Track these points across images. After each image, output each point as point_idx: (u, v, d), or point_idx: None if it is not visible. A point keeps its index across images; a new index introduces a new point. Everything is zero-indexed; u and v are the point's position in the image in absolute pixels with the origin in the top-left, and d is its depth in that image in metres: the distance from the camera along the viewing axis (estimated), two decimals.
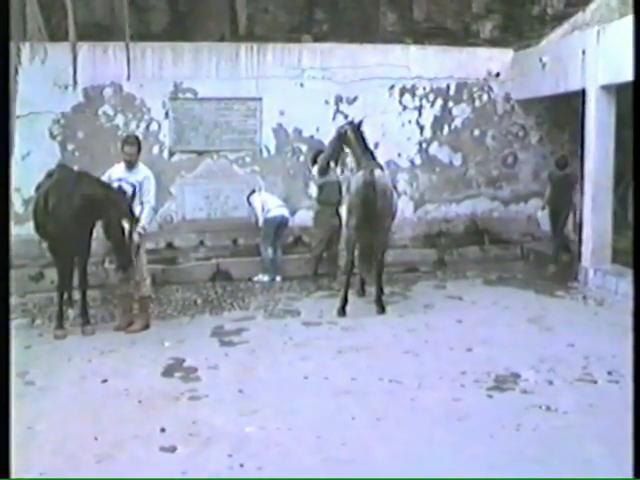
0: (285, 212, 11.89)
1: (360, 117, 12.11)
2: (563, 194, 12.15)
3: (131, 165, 9.07)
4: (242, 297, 10.78)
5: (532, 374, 7.29)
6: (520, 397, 6.79)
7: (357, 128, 10.38)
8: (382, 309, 9.77)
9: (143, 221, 8.95)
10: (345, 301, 9.71)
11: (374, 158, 10.27)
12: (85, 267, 9.14)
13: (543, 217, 12.86)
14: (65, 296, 9.28)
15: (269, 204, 11.82)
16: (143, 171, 9.19)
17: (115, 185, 8.98)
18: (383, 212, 9.67)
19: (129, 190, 8.88)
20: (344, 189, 11.09)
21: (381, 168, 10.09)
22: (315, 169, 11.44)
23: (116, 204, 8.53)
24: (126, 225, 8.48)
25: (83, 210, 8.62)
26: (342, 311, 9.67)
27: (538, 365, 7.55)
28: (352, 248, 9.95)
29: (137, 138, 9.58)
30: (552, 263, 12.19)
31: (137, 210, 8.89)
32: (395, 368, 7.55)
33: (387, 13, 15.57)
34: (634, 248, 8.54)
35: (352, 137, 10.28)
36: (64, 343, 8.72)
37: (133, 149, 9.12)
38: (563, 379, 7.16)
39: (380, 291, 9.85)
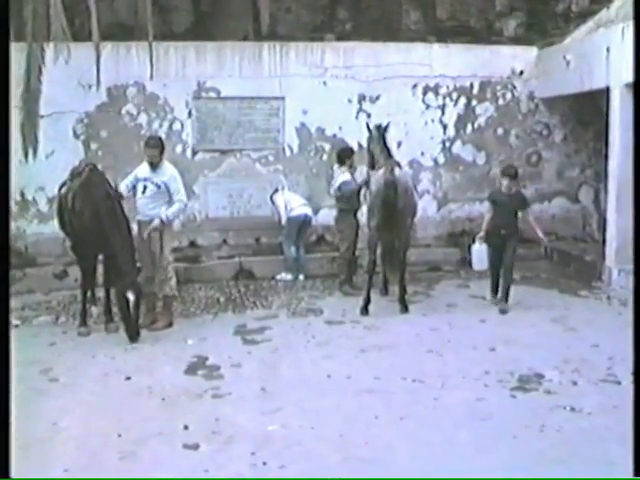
0: (308, 211, 11.88)
1: (383, 116, 12.20)
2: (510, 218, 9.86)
3: (155, 165, 9.11)
4: (265, 296, 10.78)
5: (556, 374, 7.24)
6: (544, 397, 6.75)
7: (383, 130, 10.41)
8: (405, 308, 9.74)
9: (169, 212, 9.04)
10: (368, 300, 9.70)
11: (391, 156, 10.25)
12: (110, 265, 9.15)
13: (480, 254, 9.98)
14: (89, 294, 9.35)
15: (292, 203, 11.81)
16: (169, 170, 9.22)
17: (141, 185, 9.02)
18: (404, 211, 9.66)
19: (154, 189, 8.93)
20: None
21: (399, 166, 10.06)
22: (337, 167, 11.33)
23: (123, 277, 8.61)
24: (131, 297, 8.49)
25: (109, 212, 8.67)
26: (365, 310, 9.65)
27: (562, 365, 7.50)
28: (374, 248, 9.93)
29: (160, 139, 9.60)
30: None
31: (163, 209, 8.94)
32: (418, 367, 7.53)
33: (410, 11, 15.49)
34: (634, 248, 8.51)
35: (375, 136, 10.31)
36: (88, 340, 8.79)
37: (155, 151, 9.14)
38: (587, 380, 7.11)
39: (403, 290, 9.83)
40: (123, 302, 8.48)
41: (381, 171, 9.71)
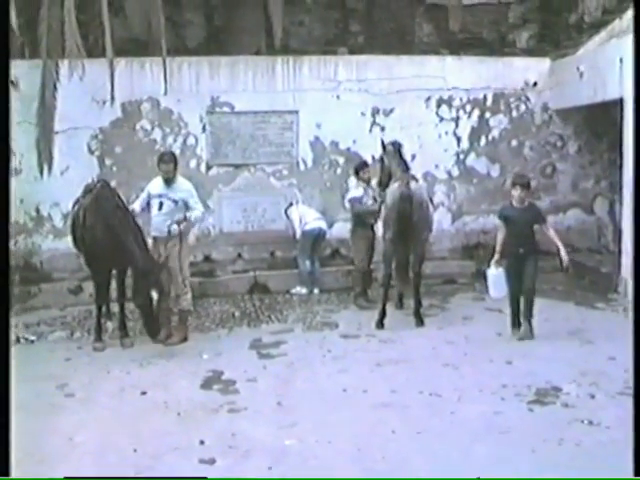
0: (323, 225, 11.87)
1: (397, 129, 12.27)
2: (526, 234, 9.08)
3: (169, 181, 9.12)
4: (280, 310, 10.78)
5: (574, 388, 7.20)
6: (562, 411, 6.70)
7: (399, 145, 10.45)
8: (421, 321, 9.71)
9: (193, 215, 9.15)
10: (383, 314, 9.67)
11: (408, 169, 10.26)
12: (124, 280, 9.20)
13: (497, 279, 9.20)
14: (104, 309, 9.40)
15: (306, 217, 11.81)
16: (184, 185, 9.26)
17: (157, 202, 9.04)
18: (419, 225, 9.64)
19: (171, 205, 8.95)
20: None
21: (415, 180, 10.06)
22: (353, 180, 11.34)
23: (146, 276, 8.63)
24: (154, 295, 8.55)
25: (121, 226, 8.70)
26: (380, 324, 9.63)
27: (579, 379, 7.45)
28: (389, 261, 9.91)
29: (173, 154, 9.62)
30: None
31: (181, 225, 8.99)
32: (434, 381, 7.50)
33: (422, 24, 15.54)
34: (634, 252, 8.44)
35: (391, 151, 10.31)
36: (103, 355, 8.81)
37: (169, 167, 9.17)
38: (605, 393, 7.06)
39: (418, 303, 9.80)
40: (147, 300, 8.52)
41: (397, 184, 9.70)
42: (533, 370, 7.70)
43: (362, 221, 10.93)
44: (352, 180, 11.44)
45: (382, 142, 10.81)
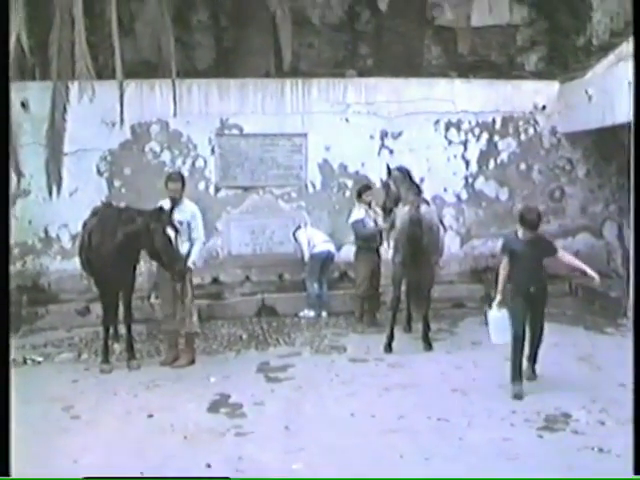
0: (331, 247, 11.84)
1: (405, 152, 12.32)
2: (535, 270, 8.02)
3: (176, 202, 9.10)
4: (288, 333, 10.73)
5: (583, 414, 7.14)
6: (572, 438, 6.64)
7: (407, 170, 10.51)
8: (429, 346, 9.66)
9: (193, 256, 9.03)
10: (391, 337, 9.63)
11: (420, 193, 10.27)
12: (130, 302, 9.20)
13: (500, 323, 8.00)
14: (111, 331, 9.38)
15: (315, 239, 11.80)
16: (189, 207, 9.26)
17: None
18: (429, 248, 9.61)
19: (178, 226, 8.93)
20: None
21: (427, 203, 10.05)
22: (358, 205, 11.34)
23: (157, 217, 8.56)
24: (171, 233, 8.52)
25: (126, 245, 8.70)
26: (389, 347, 9.59)
27: (589, 405, 7.38)
28: (398, 284, 9.88)
29: (180, 174, 9.67)
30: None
31: (185, 247, 8.94)
32: (443, 406, 7.45)
33: (431, 47, 15.62)
34: (634, 260, 8.35)
35: (399, 176, 10.32)
36: (110, 377, 8.78)
37: (177, 185, 9.18)
38: (616, 420, 6.98)
39: (427, 327, 9.76)
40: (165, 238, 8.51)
41: (407, 208, 9.69)
42: (542, 396, 7.64)
43: (364, 244, 11.03)
44: (355, 203, 11.44)
45: (387, 167, 10.82)
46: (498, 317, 7.96)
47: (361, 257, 11.10)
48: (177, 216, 9.00)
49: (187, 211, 9.17)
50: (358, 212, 11.17)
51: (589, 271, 7.97)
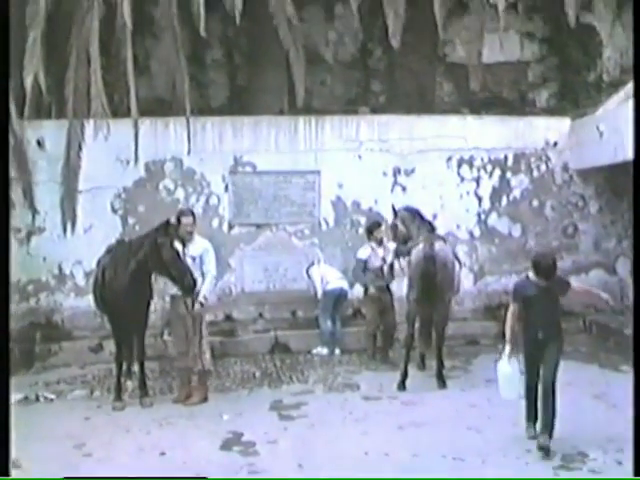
0: (344, 284, 11.83)
1: (418, 189, 12.38)
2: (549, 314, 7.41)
3: (188, 238, 9.13)
4: (301, 370, 10.68)
5: (600, 454, 7.07)
6: (588, 477, 6.56)
7: (415, 210, 10.58)
8: (443, 383, 9.61)
9: (204, 291, 9.02)
10: (405, 375, 9.59)
11: (433, 229, 10.30)
12: (143, 339, 9.21)
13: (511, 378, 7.55)
14: (124, 368, 9.36)
15: (328, 276, 11.80)
16: (201, 243, 9.29)
17: None
18: (443, 286, 9.60)
19: (189, 262, 8.95)
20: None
21: (443, 240, 10.08)
22: (367, 243, 11.38)
23: (164, 231, 8.63)
24: (179, 246, 8.59)
25: (139, 273, 8.76)
26: (402, 385, 9.54)
27: (606, 445, 7.30)
28: (412, 321, 9.86)
29: (192, 211, 9.73)
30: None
31: (198, 282, 8.96)
32: (458, 444, 7.39)
33: (443, 83, 15.69)
34: (633, 267, 8.27)
35: (407, 216, 10.37)
36: (122, 415, 8.76)
37: (189, 220, 9.22)
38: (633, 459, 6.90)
39: (441, 365, 9.72)
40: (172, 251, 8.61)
41: (421, 245, 9.70)
42: (558, 434, 7.53)
43: (371, 281, 11.14)
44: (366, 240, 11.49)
45: (393, 208, 10.87)
46: (508, 371, 7.46)
47: (369, 295, 11.22)
48: (191, 252, 9.05)
49: (199, 246, 9.20)
50: (364, 251, 11.27)
51: (602, 294, 8.37)
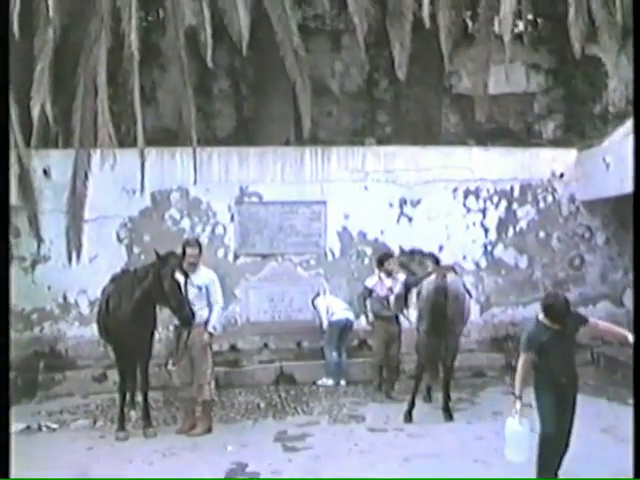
0: (350, 315, 11.77)
1: (424, 220, 12.41)
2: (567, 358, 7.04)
3: (193, 267, 9.07)
4: (306, 401, 10.61)
5: None
6: (589, 477, 6.47)
7: (419, 251, 10.69)
8: (449, 416, 9.53)
9: (212, 321, 8.99)
10: (412, 405, 9.52)
11: (438, 261, 10.33)
12: (147, 369, 9.16)
13: (520, 437, 6.85)
14: (127, 398, 9.31)
15: (333, 307, 11.75)
16: (207, 273, 9.26)
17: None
18: (454, 318, 9.58)
19: (195, 292, 8.91)
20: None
21: (454, 271, 10.08)
22: (375, 273, 11.35)
23: (166, 261, 8.60)
24: (180, 278, 8.52)
25: (143, 303, 8.73)
26: (409, 416, 9.47)
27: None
28: (422, 353, 9.80)
29: (197, 241, 9.72)
30: None
31: (204, 312, 8.92)
32: (464, 477, 7.29)
33: (449, 115, 15.75)
34: (634, 271, 8.18)
35: (405, 260, 10.54)
36: (126, 445, 8.71)
37: (195, 251, 9.17)
38: None
39: (447, 397, 9.65)
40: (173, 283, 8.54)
41: (433, 276, 9.71)
42: (566, 468, 7.45)
43: (377, 311, 11.11)
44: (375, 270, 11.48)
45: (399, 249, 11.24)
46: (518, 430, 6.71)
47: (376, 325, 11.16)
48: (196, 281, 9.01)
49: (204, 277, 9.17)
50: (370, 280, 11.31)
51: (624, 332, 7.44)
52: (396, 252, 10.91)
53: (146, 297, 8.68)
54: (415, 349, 10.00)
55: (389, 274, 11.09)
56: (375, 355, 11.19)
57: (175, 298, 8.50)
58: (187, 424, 9.14)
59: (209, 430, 9.08)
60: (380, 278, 11.13)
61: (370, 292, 11.15)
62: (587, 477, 5.25)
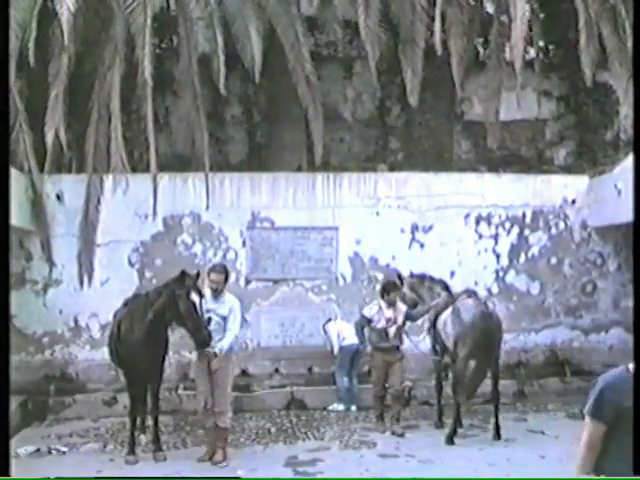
0: None
1: (436, 246, 12.45)
2: None
3: (217, 294, 8.93)
4: (317, 427, 10.57)
5: None
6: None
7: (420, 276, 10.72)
8: (498, 435, 9.72)
9: (224, 343, 8.74)
10: (454, 431, 9.66)
11: (447, 287, 10.39)
12: (157, 393, 9.12)
13: None
14: (138, 422, 9.27)
15: (344, 332, 11.68)
16: (231, 301, 9.02)
17: (206, 317, 8.74)
18: (499, 343, 9.84)
19: (220, 322, 8.82)
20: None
21: (476, 295, 10.35)
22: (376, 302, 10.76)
23: (181, 283, 8.52)
24: (196, 298, 8.43)
25: (155, 325, 8.68)
26: (451, 440, 9.54)
27: None
28: (464, 379, 9.70)
29: (225, 267, 9.47)
30: None
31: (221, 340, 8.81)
32: None
33: (461, 141, 15.76)
34: (634, 268, 8.13)
35: (416, 282, 10.55)
36: (135, 469, 8.67)
37: (220, 277, 8.99)
38: None
39: (497, 419, 9.83)
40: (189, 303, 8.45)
41: (470, 301, 9.85)
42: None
43: (374, 342, 10.53)
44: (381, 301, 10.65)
45: (399, 276, 10.90)
46: None
47: (375, 355, 10.62)
48: (220, 310, 8.85)
49: (229, 305, 8.95)
50: (369, 309, 10.68)
51: None
52: (405, 280, 10.76)
53: (159, 319, 8.63)
54: (453, 375, 9.89)
55: (391, 304, 10.51)
56: (374, 385, 10.68)
57: (191, 319, 8.42)
58: (209, 452, 8.96)
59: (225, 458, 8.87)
60: (380, 308, 10.51)
61: (368, 322, 10.54)
62: (587, 477, 5.15)
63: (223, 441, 9.01)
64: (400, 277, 10.78)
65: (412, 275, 10.76)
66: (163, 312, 8.59)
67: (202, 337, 8.49)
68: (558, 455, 8.92)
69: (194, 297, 8.44)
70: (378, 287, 11.32)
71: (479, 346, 9.48)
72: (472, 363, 9.62)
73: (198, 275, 8.84)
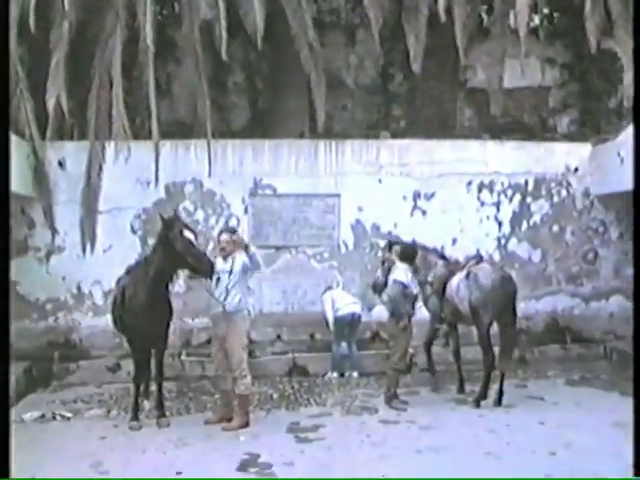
0: (357, 309, 11.68)
1: (438, 213, 12.39)
2: None
3: (226, 255, 8.83)
4: (319, 393, 10.60)
5: None
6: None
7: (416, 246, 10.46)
8: (499, 401, 9.74)
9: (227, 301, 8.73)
10: (484, 396, 9.74)
11: (444, 255, 10.60)
12: (162, 359, 9.13)
13: None
14: (141, 388, 9.31)
15: (338, 302, 11.64)
16: (240, 257, 8.83)
17: (214, 279, 8.73)
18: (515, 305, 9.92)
19: (225, 279, 8.75)
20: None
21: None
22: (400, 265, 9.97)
23: (170, 224, 8.49)
24: (190, 235, 8.41)
25: (157, 284, 8.65)
26: (478, 404, 9.67)
27: (627, 472, 7.18)
28: (489, 344, 9.77)
29: (234, 229, 9.52)
30: None
31: (236, 300, 8.81)
32: (476, 471, 7.27)
33: (464, 109, 15.73)
34: (634, 263, 8.15)
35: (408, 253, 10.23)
36: (139, 435, 8.71)
37: (227, 237, 8.90)
38: None
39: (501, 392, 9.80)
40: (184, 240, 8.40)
41: (487, 266, 10.05)
42: (578, 462, 7.46)
43: (409, 312, 9.68)
44: (397, 262, 9.92)
45: (389, 242, 10.65)
46: None
47: (401, 326, 9.60)
48: (226, 267, 8.78)
49: (237, 262, 8.79)
50: (399, 274, 9.70)
51: None
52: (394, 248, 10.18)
53: (160, 274, 8.57)
54: (479, 341, 9.86)
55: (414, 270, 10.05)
56: (400, 360, 9.76)
57: (190, 253, 8.33)
58: (218, 415, 9.04)
59: (246, 424, 8.83)
60: (407, 274, 9.72)
61: (404, 287, 9.59)
62: (587, 478, 5.22)
63: (241, 408, 8.90)
64: (390, 244, 10.41)
65: (404, 245, 10.40)
66: (163, 263, 8.51)
67: (205, 266, 8.46)
68: (558, 421, 9.03)
69: (187, 234, 8.41)
70: (397, 251, 10.10)
71: (502, 310, 9.62)
72: (503, 326, 9.82)
73: (176, 215, 8.87)
